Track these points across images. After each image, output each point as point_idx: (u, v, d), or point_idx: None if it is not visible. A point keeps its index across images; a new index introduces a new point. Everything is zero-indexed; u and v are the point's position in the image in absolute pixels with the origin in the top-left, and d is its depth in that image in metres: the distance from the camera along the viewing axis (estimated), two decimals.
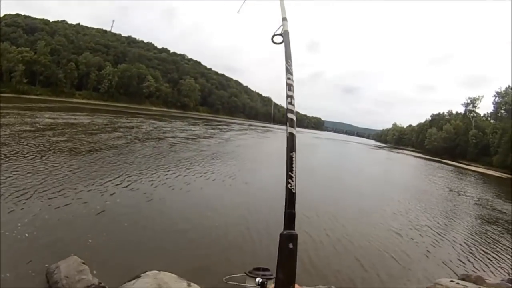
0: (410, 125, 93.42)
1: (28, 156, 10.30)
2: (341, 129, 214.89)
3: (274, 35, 1.51)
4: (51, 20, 63.70)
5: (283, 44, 1.48)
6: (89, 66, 56.11)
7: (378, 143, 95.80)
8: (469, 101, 67.46)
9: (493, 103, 62.68)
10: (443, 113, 76.14)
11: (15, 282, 3.91)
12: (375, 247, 7.57)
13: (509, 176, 38.41)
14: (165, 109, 63.73)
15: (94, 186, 8.56)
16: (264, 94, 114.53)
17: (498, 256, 8.11)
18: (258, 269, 1.49)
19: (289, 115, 1.34)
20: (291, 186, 1.26)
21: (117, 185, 9.05)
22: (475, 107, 66.41)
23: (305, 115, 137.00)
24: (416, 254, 7.57)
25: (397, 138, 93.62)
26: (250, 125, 65.08)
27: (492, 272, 6.93)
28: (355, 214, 10.38)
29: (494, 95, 62.17)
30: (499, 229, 11.12)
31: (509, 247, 9.02)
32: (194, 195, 9.61)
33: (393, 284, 5.85)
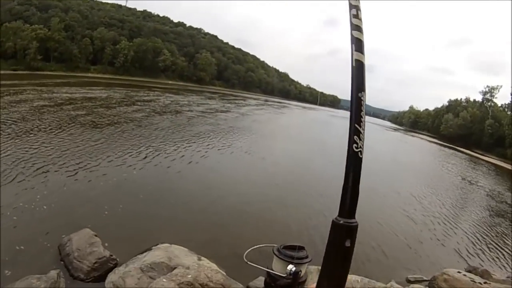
0: (426, 109, 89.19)
1: (49, 130, 10.45)
2: None
3: None
4: None
5: None
6: (104, 41, 55.63)
7: (393, 125, 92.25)
8: (487, 89, 63.22)
9: (511, 94, 57.87)
10: (460, 99, 72.19)
11: (30, 255, 3.92)
12: (387, 230, 7.44)
13: None
14: (181, 83, 63.23)
15: (113, 158, 8.64)
16: (281, 70, 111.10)
17: (506, 252, 7.79)
18: (290, 247, 1.10)
19: (354, 33, 0.90)
20: (357, 148, 0.82)
21: (135, 157, 9.10)
22: (493, 96, 62.34)
23: (322, 93, 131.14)
24: (427, 241, 7.43)
25: (412, 121, 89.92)
26: (266, 100, 63.95)
27: (499, 267, 6.76)
28: (368, 194, 9.87)
29: None
30: (508, 223, 10.56)
31: None
32: (210, 170, 9.52)
33: (402, 270, 5.71)
